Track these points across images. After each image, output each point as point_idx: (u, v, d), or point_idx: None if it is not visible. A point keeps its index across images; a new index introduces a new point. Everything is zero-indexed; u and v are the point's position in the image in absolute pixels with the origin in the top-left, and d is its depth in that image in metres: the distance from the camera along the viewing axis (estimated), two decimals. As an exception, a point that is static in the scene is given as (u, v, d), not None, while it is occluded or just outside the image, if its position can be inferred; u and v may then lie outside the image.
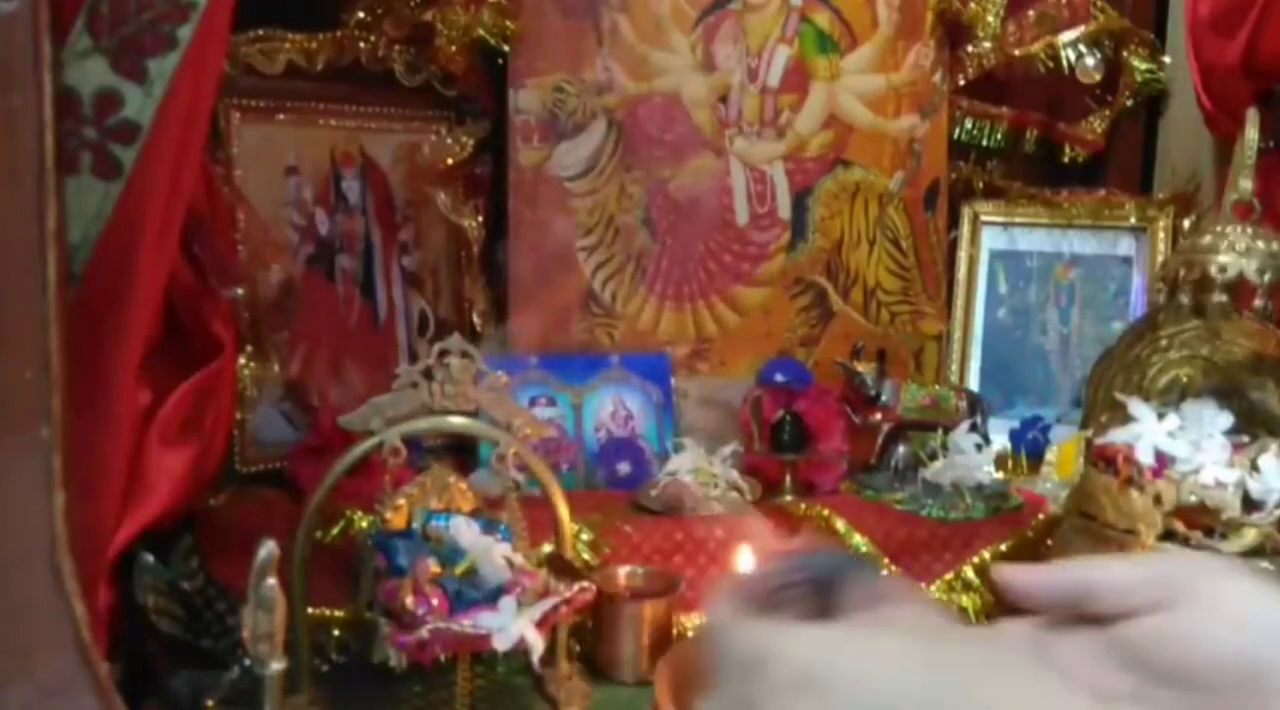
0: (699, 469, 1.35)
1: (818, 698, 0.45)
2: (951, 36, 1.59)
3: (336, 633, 1.17)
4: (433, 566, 1.00)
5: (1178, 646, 0.44)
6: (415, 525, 1.07)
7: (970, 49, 1.58)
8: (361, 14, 1.43)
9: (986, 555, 1.31)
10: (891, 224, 1.60)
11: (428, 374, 1.09)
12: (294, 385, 1.41)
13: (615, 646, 1.19)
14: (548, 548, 1.14)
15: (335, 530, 1.19)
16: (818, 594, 0.50)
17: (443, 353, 1.09)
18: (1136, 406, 1.19)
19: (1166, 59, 1.62)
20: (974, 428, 1.42)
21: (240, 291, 1.28)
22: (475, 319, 1.51)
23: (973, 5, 1.56)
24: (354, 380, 1.45)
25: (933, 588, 1.30)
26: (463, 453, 1.38)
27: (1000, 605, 0.49)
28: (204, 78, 0.93)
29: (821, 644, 0.47)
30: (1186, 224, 1.55)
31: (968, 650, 0.48)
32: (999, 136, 1.66)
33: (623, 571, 1.24)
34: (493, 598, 0.99)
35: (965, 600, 1.29)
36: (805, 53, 1.55)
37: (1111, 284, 1.60)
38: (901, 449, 1.43)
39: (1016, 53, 1.58)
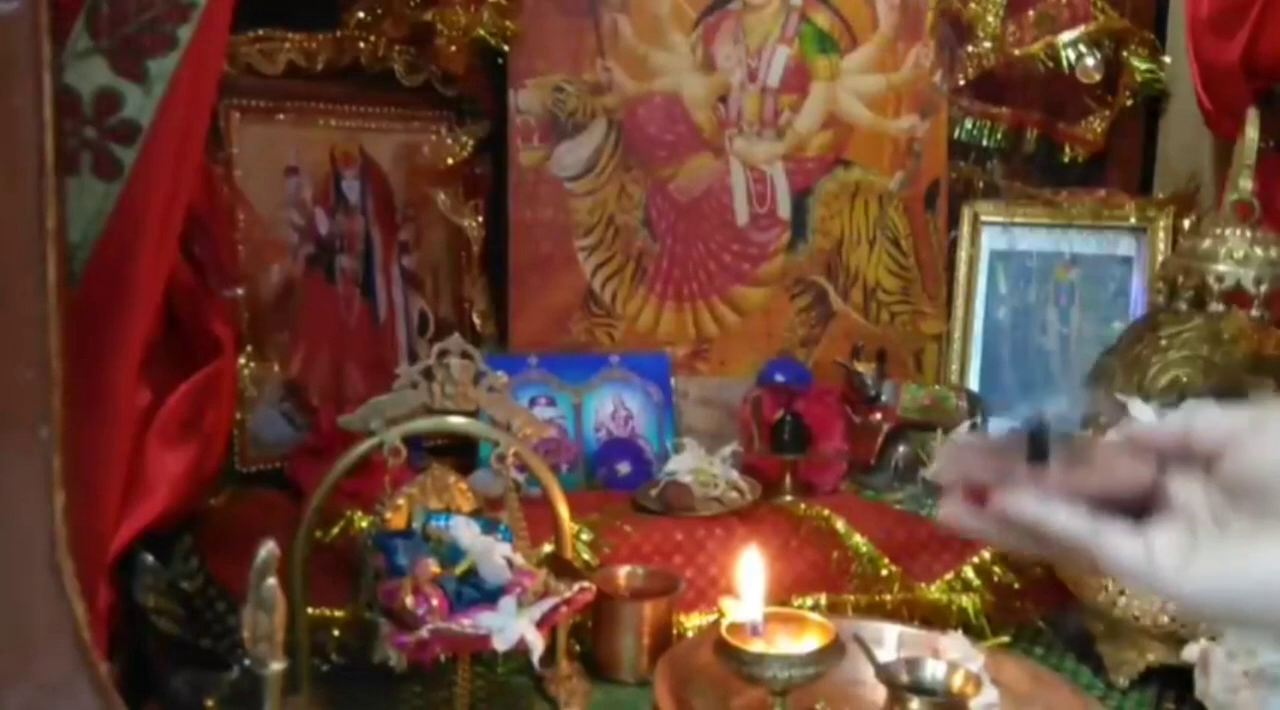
0: (699, 469, 1.35)
1: None
2: (951, 37, 1.59)
3: (336, 633, 1.16)
4: (433, 566, 1.00)
5: (1252, 467, 0.53)
6: (415, 525, 1.07)
7: (970, 49, 1.58)
8: (361, 14, 1.43)
9: (986, 555, 1.31)
10: (891, 224, 1.60)
11: (428, 374, 1.09)
12: (294, 385, 1.41)
13: (615, 646, 1.19)
14: (548, 548, 1.14)
15: (335, 530, 1.19)
16: (1030, 440, 0.56)
17: (443, 353, 1.09)
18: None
19: (1166, 59, 1.62)
20: (974, 428, 1.42)
21: (240, 291, 1.28)
22: (475, 319, 1.52)
23: (973, 5, 1.56)
24: (354, 380, 1.45)
25: (933, 588, 1.30)
26: (463, 453, 1.38)
27: None
28: (204, 78, 0.93)
29: None
30: (1186, 224, 1.55)
31: None
32: (999, 136, 1.65)
33: (623, 571, 1.24)
34: (493, 598, 0.99)
35: (965, 600, 1.29)
36: (805, 53, 1.55)
37: (1111, 284, 1.60)
38: (901, 449, 1.43)
39: (1016, 53, 1.58)
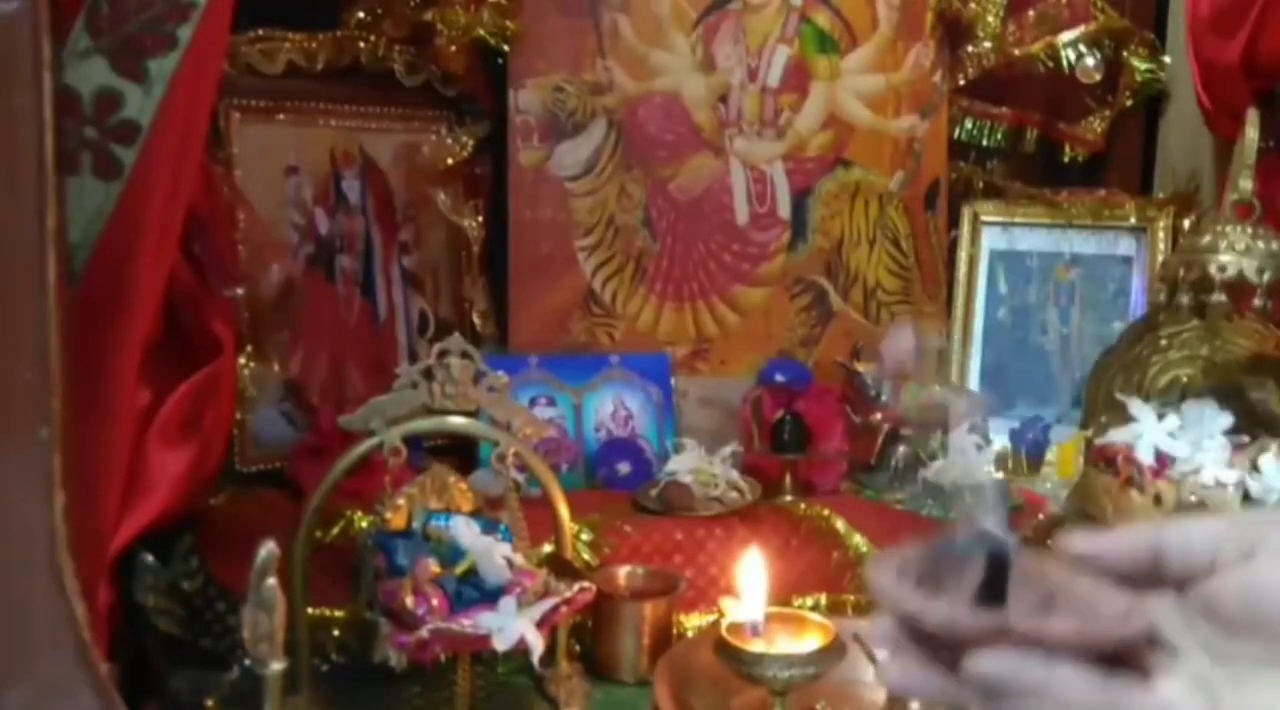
0: (699, 469, 1.35)
1: None
2: (951, 36, 1.59)
3: (336, 633, 1.17)
4: (433, 566, 1.00)
5: (1258, 597, 0.45)
6: (415, 525, 1.07)
7: (970, 49, 1.58)
8: (361, 14, 1.43)
9: (986, 555, 1.30)
10: (891, 224, 1.60)
11: (428, 374, 1.09)
12: (294, 385, 1.41)
13: (615, 646, 1.19)
14: (548, 548, 1.14)
15: (335, 530, 1.19)
16: (986, 570, 0.47)
17: (443, 353, 1.09)
18: (1136, 406, 1.19)
19: (1166, 59, 1.62)
20: (974, 428, 1.42)
21: (240, 291, 1.28)
22: (475, 319, 1.51)
23: (973, 5, 1.56)
24: (354, 380, 1.45)
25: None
26: (463, 453, 1.38)
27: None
28: (204, 78, 0.93)
29: None
30: (1186, 224, 1.55)
31: None
32: (999, 136, 1.66)
33: (623, 571, 1.24)
34: (493, 598, 0.99)
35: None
36: (805, 52, 1.55)
37: (1111, 284, 1.60)
38: (901, 449, 1.43)
39: (1016, 53, 1.58)
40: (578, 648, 1.20)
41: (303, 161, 1.41)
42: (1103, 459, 1.19)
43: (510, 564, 1.02)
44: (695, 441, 1.39)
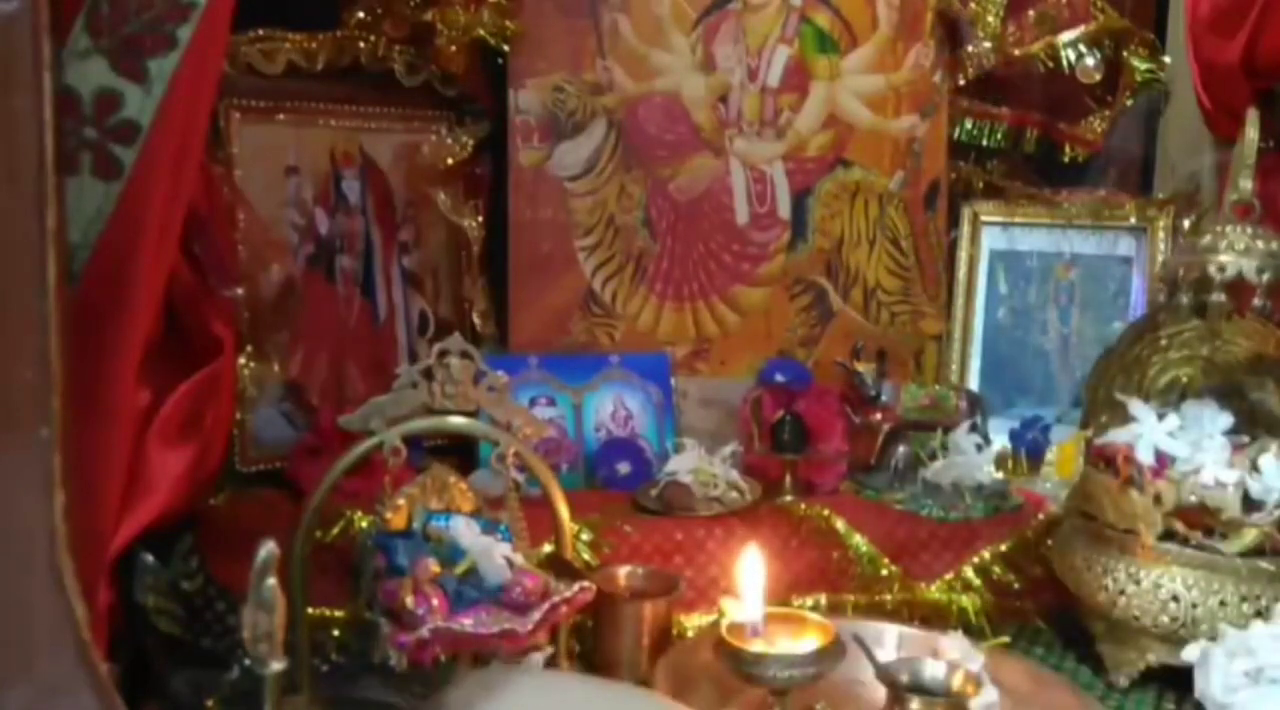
0: (699, 469, 1.35)
1: None
2: (951, 36, 1.59)
3: (336, 633, 1.16)
4: (433, 566, 1.00)
5: None
6: (415, 525, 1.07)
7: (970, 49, 1.58)
8: (361, 14, 1.43)
9: (986, 555, 1.30)
10: (891, 224, 1.60)
11: (428, 374, 1.09)
12: (294, 385, 1.41)
13: (615, 646, 1.19)
14: (548, 548, 1.14)
15: (335, 530, 1.19)
16: None
17: (443, 353, 1.09)
18: (1136, 406, 1.19)
19: (1166, 59, 1.62)
20: (974, 428, 1.42)
21: (240, 291, 1.28)
22: (475, 319, 1.52)
23: (973, 5, 1.56)
24: (354, 380, 1.45)
25: (933, 588, 1.30)
26: (463, 453, 1.38)
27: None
28: (204, 78, 0.93)
29: None
30: (1186, 224, 1.55)
31: None
32: (999, 136, 1.66)
33: (623, 571, 1.24)
34: (493, 598, 0.99)
35: (965, 600, 1.29)
36: (805, 52, 1.55)
37: (1111, 284, 1.60)
38: (901, 449, 1.43)
39: (1016, 53, 1.58)
40: (578, 648, 1.20)
41: (303, 161, 1.41)
42: (1103, 459, 1.19)
43: (510, 564, 1.02)
44: (695, 441, 1.39)
